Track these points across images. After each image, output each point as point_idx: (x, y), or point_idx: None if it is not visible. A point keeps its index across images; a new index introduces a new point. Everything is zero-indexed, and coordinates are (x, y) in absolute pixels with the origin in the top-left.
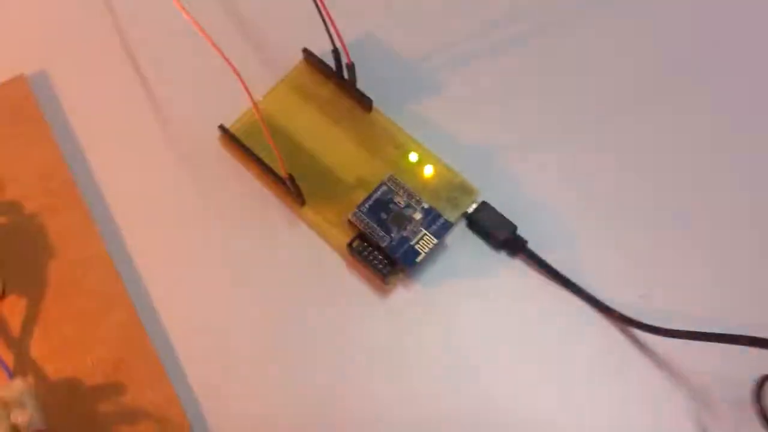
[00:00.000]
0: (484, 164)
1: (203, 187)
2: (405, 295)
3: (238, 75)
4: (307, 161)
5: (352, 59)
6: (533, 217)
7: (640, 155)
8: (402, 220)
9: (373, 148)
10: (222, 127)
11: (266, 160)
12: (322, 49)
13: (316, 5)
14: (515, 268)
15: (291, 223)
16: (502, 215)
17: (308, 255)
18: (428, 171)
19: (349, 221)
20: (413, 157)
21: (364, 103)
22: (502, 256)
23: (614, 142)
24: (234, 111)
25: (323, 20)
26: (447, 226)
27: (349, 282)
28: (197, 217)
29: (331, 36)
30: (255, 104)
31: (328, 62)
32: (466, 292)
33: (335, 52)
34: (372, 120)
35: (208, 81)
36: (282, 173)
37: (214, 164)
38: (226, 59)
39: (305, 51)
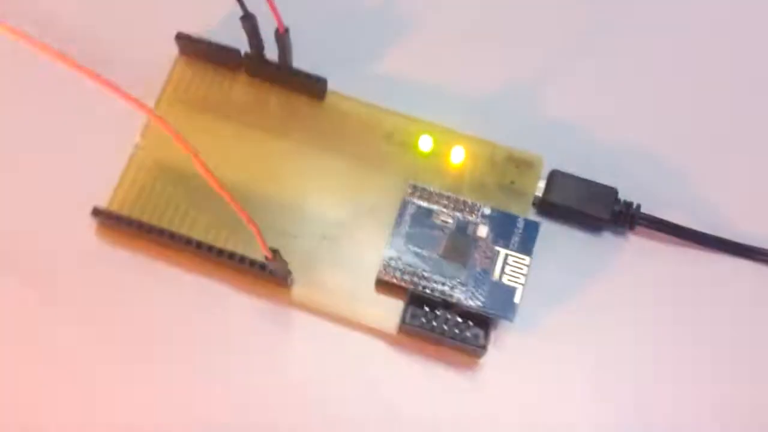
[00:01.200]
0: (520, 119)
1: (104, 313)
2: (503, 357)
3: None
4: (258, 207)
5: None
6: (622, 169)
7: None
8: (463, 246)
9: (353, 151)
10: (98, 212)
11: (196, 233)
12: (208, 27)
13: None
14: (637, 247)
15: (279, 320)
16: (588, 180)
17: (326, 363)
18: (458, 156)
19: (382, 282)
20: (425, 143)
21: (314, 88)
22: (608, 239)
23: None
24: (101, 181)
25: None
26: (533, 229)
27: (418, 376)
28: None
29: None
30: (183, 143)
31: (227, 43)
32: (591, 312)
33: (248, 20)
34: (332, 109)
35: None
36: (263, 250)
37: (100, 271)
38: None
39: (181, 37)
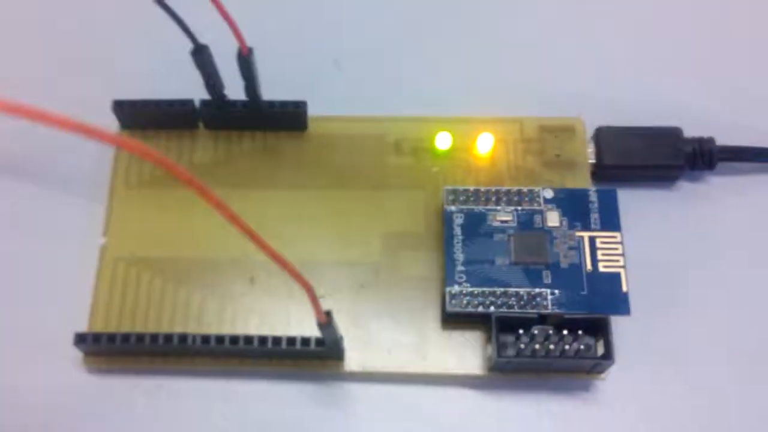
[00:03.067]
0: (534, 85)
1: None
2: (626, 364)
3: None
4: (268, 273)
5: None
6: (669, 106)
7: None
8: (536, 243)
9: (360, 177)
10: (81, 337)
11: (208, 325)
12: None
13: None
14: (726, 187)
15: (336, 399)
16: (642, 127)
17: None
18: (485, 144)
19: (450, 317)
20: (443, 140)
21: (292, 118)
22: (688, 188)
23: None
24: (71, 300)
25: None
26: (612, 198)
27: (524, 418)
28: None
29: (181, 24)
30: None
31: (174, 96)
32: (707, 277)
33: (201, 53)
34: (319, 137)
35: None
36: (316, 314)
37: (97, 407)
38: None
39: (119, 106)
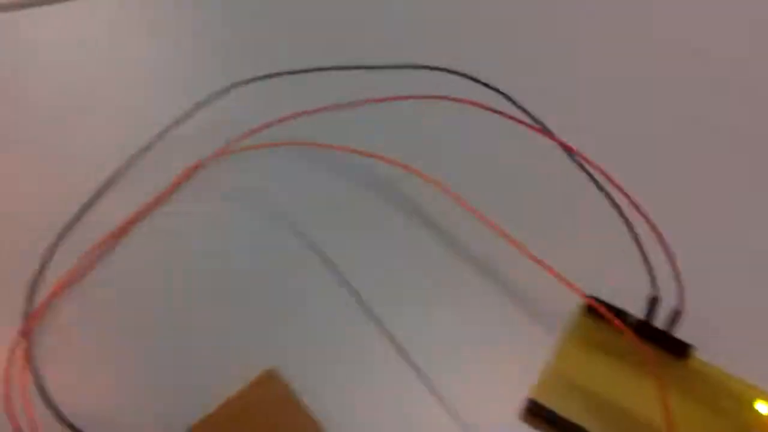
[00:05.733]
0: None
1: None
2: None
3: None
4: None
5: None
6: None
7: None
8: None
9: (696, 404)
10: (533, 404)
11: None
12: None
13: (638, 244)
14: None
15: None
16: None
17: None
18: None
19: None
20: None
21: (678, 350)
22: None
23: None
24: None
25: (645, 260)
26: None
27: None
28: None
29: (654, 280)
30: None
31: (622, 306)
32: None
33: (653, 302)
34: (690, 368)
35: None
36: None
37: None
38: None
39: (592, 300)
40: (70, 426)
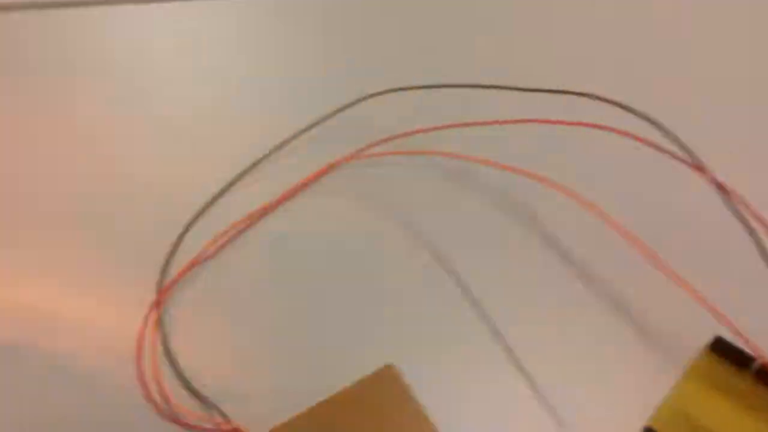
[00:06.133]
0: None
1: None
2: None
3: None
4: None
5: None
6: None
7: None
8: None
9: None
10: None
11: None
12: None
13: None
14: None
15: None
16: None
17: None
18: None
19: None
20: None
21: None
22: None
23: None
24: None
25: None
26: None
27: None
28: None
29: None
30: None
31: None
32: None
33: None
34: None
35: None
36: None
37: None
38: None
39: (717, 342)
40: (196, 393)
